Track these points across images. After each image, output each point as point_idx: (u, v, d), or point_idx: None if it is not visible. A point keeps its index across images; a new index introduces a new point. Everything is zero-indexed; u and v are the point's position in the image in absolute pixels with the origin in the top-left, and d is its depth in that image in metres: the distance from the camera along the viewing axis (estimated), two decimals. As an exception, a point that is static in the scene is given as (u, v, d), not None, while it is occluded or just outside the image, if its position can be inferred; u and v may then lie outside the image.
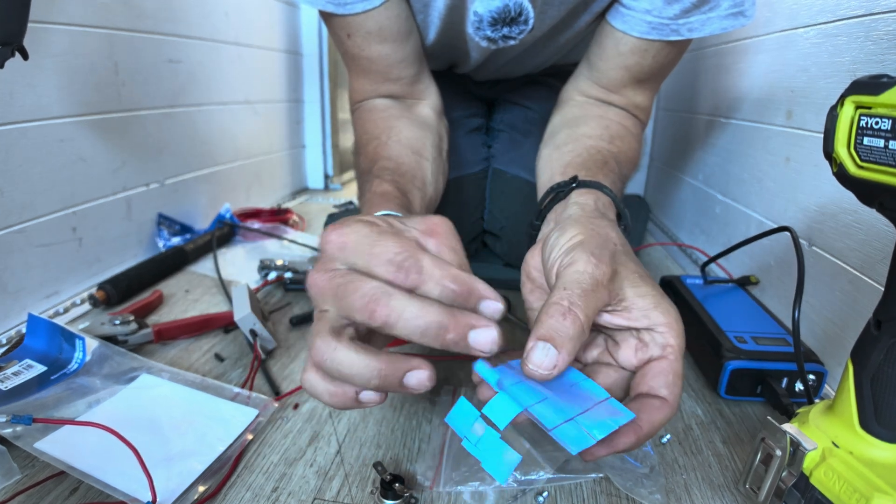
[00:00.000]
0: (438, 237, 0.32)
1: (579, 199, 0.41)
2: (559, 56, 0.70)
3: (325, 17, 0.54)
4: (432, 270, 0.28)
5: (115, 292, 0.64)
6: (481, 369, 0.30)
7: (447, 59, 0.70)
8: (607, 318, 0.32)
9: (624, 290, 0.31)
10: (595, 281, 0.30)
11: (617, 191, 0.45)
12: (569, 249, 0.32)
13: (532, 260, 0.38)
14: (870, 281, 0.45)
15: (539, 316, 0.28)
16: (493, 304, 0.29)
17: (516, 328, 0.63)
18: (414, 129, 0.56)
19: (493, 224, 0.77)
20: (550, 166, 0.50)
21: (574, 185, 0.42)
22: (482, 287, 0.29)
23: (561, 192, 0.43)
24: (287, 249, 0.88)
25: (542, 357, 0.27)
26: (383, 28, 0.53)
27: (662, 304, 0.31)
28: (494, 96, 0.82)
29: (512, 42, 0.55)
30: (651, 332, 0.31)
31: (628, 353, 0.32)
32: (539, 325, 0.28)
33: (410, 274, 0.28)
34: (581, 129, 0.53)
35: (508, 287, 0.75)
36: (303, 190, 1.41)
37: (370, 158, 0.51)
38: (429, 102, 0.61)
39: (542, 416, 0.27)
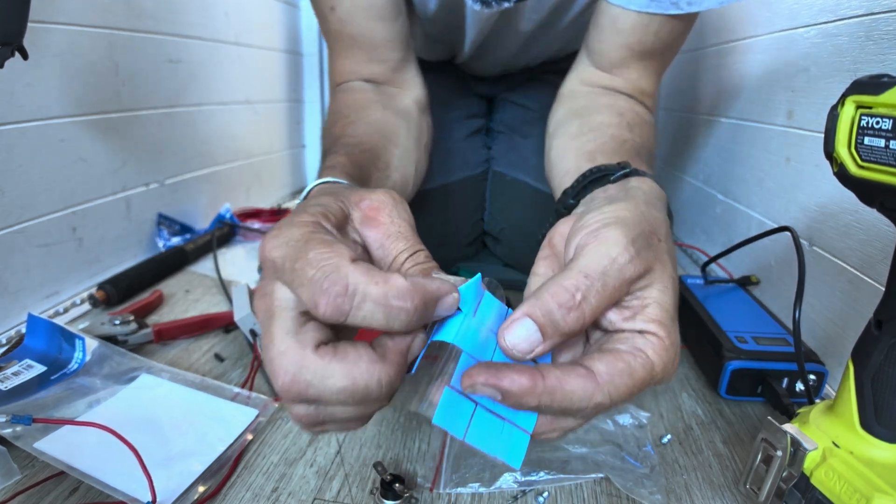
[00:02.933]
0: (379, 226, 0.28)
1: (641, 185, 0.34)
2: (560, 44, 0.69)
3: None
4: (367, 289, 0.22)
5: (115, 292, 0.64)
6: (486, 293, 0.27)
7: (446, 42, 0.68)
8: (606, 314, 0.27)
9: (647, 291, 0.26)
10: (622, 277, 0.25)
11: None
12: (606, 222, 0.27)
13: (562, 226, 0.32)
14: (870, 281, 0.45)
15: (541, 290, 0.24)
16: (450, 299, 0.25)
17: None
18: (388, 115, 0.51)
19: (493, 226, 0.77)
20: (571, 155, 0.45)
21: (627, 170, 0.36)
22: (436, 285, 0.24)
23: (608, 174, 0.36)
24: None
25: (522, 336, 0.23)
26: (371, 1, 0.50)
27: (670, 321, 0.26)
28: (495, 94, 0.81)
29: (507, 5, 0.51)
30: (636, 334, 0.26)
31: (599, 355, 0.26)
32: (535, 301, 0.24)
33: (335, 299, 0.22)
34: (595, 118, 0.49)
35: (509, 287, 0.75)
36: (303, 190, 1.41)
37: (333, 137, 0.46)
38: (412, 94, 0.57)
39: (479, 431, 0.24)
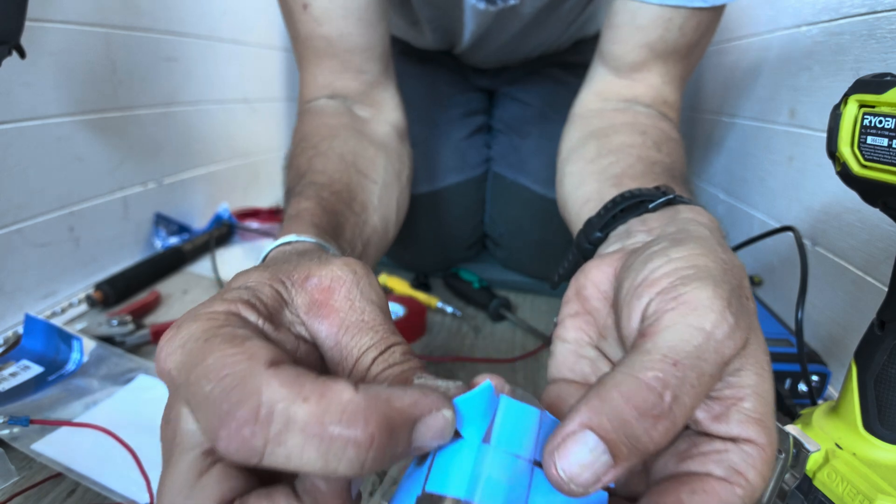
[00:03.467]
0: (333, 314, 0.20)
1: (696, 217, 0.25)
2: (562, 33, 0.68)
3: None
4: (290, 410, 0.14)
5: (113, 293, 0.64)
6: (501, 398, 0.18)
7: (443, 32, 0.66)
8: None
9: (742, 376, 0.19)
10: (721, 361, 0.17)
11: None
12: (685, 276, 0.19)
13: (595, 272, 0.25)
14: (873, 281, 0.45)
15: (605, 386, 0.16)
16: (437, 420, 0.16)
17: (517, 330, 0.63)
18: (363, 144, 0.45)
19: (493, 229, 0.76)
20: (591, 180, 0.38)
21: (671, 196, 0.28)
22: (410, 397, 0.16)
23: (645, 199, 0.28)
24: (286, 249, 0.88)
25: (584, 460, 0.15)
26: (349, 1, 0.45)
27: (770, 421, 0.19)
28: (495, 87, 0.80)
29: (512, 1, 0.47)
30: (729, 442, 0.18)
31: (667, 464, 0.19)
32: (598, 403, 0.16)
33: (240, 430, 0.14)
34: (615, 138, 0.42)
35: (509, 288, 0.74)
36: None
37: (298, 172, 0.39)
38: (389, 118, 0.51)
39: None
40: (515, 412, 0.17)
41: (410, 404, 0.16)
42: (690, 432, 0.19)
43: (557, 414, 0.18)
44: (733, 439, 0.18)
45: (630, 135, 0.42)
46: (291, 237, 0.29)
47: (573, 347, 0.24)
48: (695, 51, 0.47)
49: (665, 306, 0.18)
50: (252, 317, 0.19)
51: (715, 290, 0.18)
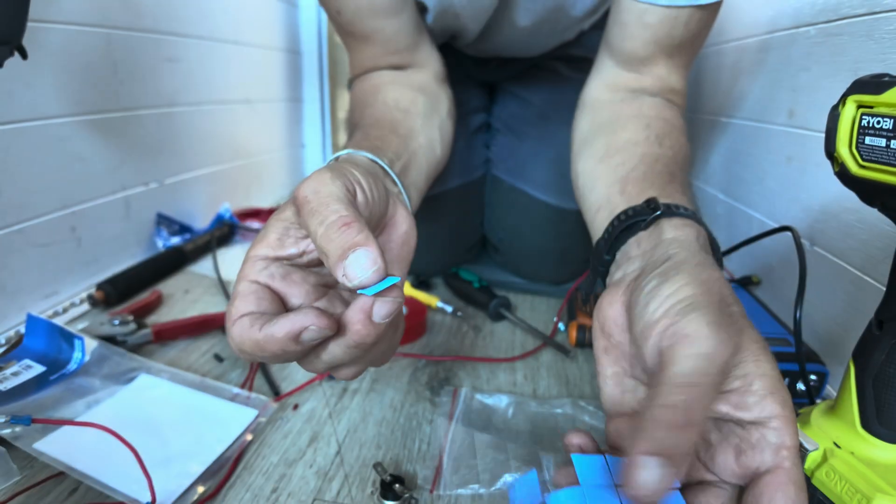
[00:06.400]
0: (301, 205, 0.28)
1: (677, 235, 0.32)
2: (571, 32, 0.67)
3: None
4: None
5: (114, 292, 0.64)
6: (576, 457, 0.26)
7: (446, 28, 0.65)
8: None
9: (742, 367, 0.24)
10: (720, 368, 0.23)
11: (694, 209, 0.37)
12: (677, 313, 0.24)
13: (610, 310, 0.30)
14: (872, 281, 0.45)
15: (645, 422, 0.22)
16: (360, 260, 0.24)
17: (516, 329, 0.63)
18: (404, 91, 0.53)
19: (492, 234, 0.76)
20: (601, 183, 0.43)
21: (659, 212, 0.34)
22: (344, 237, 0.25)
23: (639, 220, 0.34)
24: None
25: (648, 478, 0.21)
26: (374, 2, 0.50)
27: (780, 390, 0.24)
28: (497, 80, 0.78)
29: None
30: (761, 427, 0.24)
31: (727, 460, 0.25)
32: (643, 434, 0.21)
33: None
34: (621, 134, 0.46)
35: (509, 288, 0.75)
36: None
37: (353, 125, 0.49)
38: (429, 70, 0.58)
39: None
40: (588, 461, 0.26)
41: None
42: (731, 425, 0.25)
43: (620, 447, 0.28)
44: (762, 422, 0.24)
45: (635, 130, 0.46)
46: (341, 153, 0.38)
47: (613, 381, 0.30)
48: (698, 40, 0.50)
49: (669, 342, 0.24)
50: (263, 250, 0.30)
51: (702, 317, 0.24)
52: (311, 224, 0.26)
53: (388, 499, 0.36)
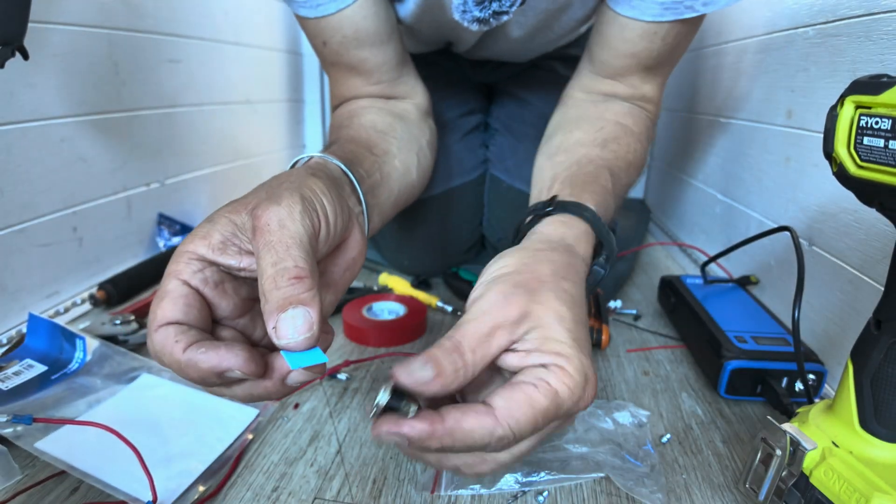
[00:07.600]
0: (258, 233, 0.27)
1: (545, 229, 0.38)
2: (565, 39, 0.68)
3: (300, 21, 0.52)
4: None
5: (116, 292, 0.64)
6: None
7: (441, 39, 0.66)
8: (505, 359, 0.28)
9: (533, 333, 0.28)
10: (494, 324, 0.28)
11: (606, 209, 0.42)
12: (489, 282, 0.31)
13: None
14: (870, 281, 0.45)
15: (438, 346, 0.26)
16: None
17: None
18: (382, 115, 0.53)
19: (491, 234, 0.76)
20: (541, 178, 0.48)
21: (550, 208, 0.39)
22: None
23: (538, 214, 0.40)
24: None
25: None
26: (360, 30, 0.50)
27: (565, 348, 0.28)
28: (495, 81, 0.79)
29: (506, 17, 0.48)
30: (544, 368, 0.27)
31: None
32: (431, 350, 0.26)
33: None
34: (574, 134, 0.50)
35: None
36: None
37: (329, 144, 0.48)
38: (412, 101, 0.59)
39: None
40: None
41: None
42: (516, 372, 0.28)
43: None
44: (542, 365, 0.27)
45: (587, 131, 0.50)
46: (315, 154, 0.38)
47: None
48: (676, 52, 0.51)
49: (474, 297, 0.30)
50: (202, 249, 0.28)
51: (500, 284, 0.30)
52: (263, 257, 0.26)
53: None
